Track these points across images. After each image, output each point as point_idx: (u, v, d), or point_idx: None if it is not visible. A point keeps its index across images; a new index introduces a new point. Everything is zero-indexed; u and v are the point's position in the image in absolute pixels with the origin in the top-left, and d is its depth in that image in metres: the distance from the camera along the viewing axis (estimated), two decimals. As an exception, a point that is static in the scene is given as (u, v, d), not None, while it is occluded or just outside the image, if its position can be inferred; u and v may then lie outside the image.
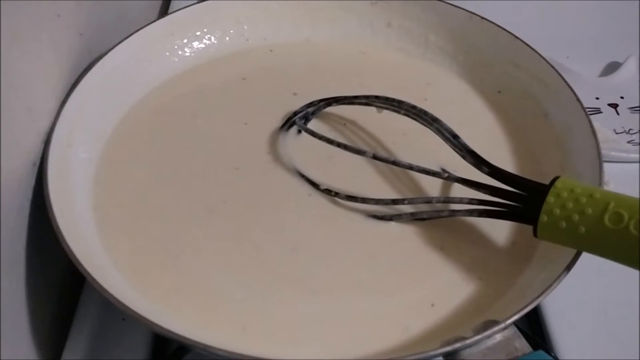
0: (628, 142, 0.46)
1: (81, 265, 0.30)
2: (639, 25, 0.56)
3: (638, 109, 0.49)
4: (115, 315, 0.35)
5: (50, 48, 0.35)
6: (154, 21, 0.44)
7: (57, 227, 0.31)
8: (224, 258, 0.34)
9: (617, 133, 0.47)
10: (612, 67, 0.52)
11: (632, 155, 0.45)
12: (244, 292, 0.33)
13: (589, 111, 0.39)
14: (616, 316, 0.36)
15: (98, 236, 0.34)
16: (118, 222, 0.35)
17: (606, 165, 0.35)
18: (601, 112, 0.48)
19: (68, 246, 0.30)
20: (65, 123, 0.36)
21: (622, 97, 0.50)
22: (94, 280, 0.29)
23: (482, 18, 0.44)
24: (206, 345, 0.27)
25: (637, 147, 0.45)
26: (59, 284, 0.37)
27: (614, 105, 0.49)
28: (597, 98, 0.49)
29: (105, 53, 0.40)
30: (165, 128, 0.41)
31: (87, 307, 0.36)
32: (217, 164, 0.38)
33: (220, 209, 0.36)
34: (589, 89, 0.49)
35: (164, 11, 0.56)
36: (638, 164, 0.45)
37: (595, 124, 0.37)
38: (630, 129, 0.47)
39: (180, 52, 0.44)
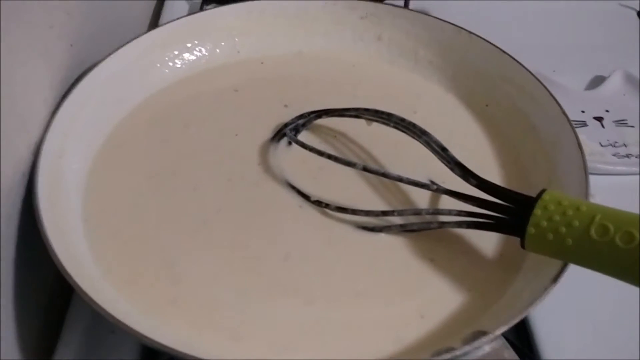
0: (613, 154, 0.47)
1: (70, 276, 0.29)
2: (624, 40, 0.57)
3: (623, 122, 0.49)
4: (105, 327, 0.35)
5: (42, 59, 0.36)
6: (145, 33, 0.44)
7: (47, 237, 0.31)
8: (216, 267, 0.34)
9: (602, 146, 0.47)
10: (597, 81, 0.53)
11: (618, 167, 0.45)
12: (237, 301, 0.33)
13: (575, 124, 0.39)
14: (604, 326, 0.36)
15: (88, 247, 0.34)
16: (109, 233, 0.35)
17: (592, 178, 0.35)
18: (587, 125, 0.49)
19: (57, 257, 0.30)
20: (57, 133, 0.36)
21: (607, 111, 0.50)
22: (83, 291, 0.29)
23: (470, 33, 0.45)
24: (197, 358, 0.27)
25: (623, 159, 0.46)
26: (48, 295, 0.37)
27: (599, 119, 0.50)
28: (583, 111, 0.50)
29: (97, 64, 0.40)
30: (157, 139, 0.41)
31: (76, 318, 0.35)
32: (208, 175, 0.39)
33: (212, 219, 0.36)
34: (575, 102, 0.50)
35: (154, 23, 0.56)
36: (623, 177, 0.45)
37: (581, 137, 0.38)
38: (615, 142, 0.48)
39: (171, 64, 0.45)
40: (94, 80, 0.39)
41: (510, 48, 0.44)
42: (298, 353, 0.31)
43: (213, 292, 0.33)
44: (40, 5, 0.35)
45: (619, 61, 0.54)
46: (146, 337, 0.28)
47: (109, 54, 0.41)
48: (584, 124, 0.49)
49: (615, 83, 0.52)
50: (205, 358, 0.27)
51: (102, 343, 0.35)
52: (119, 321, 0.28)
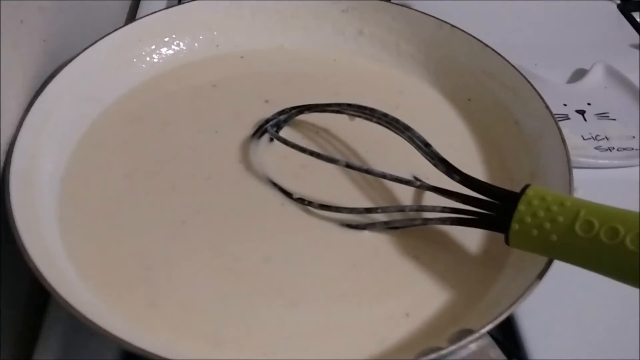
0: (595, 148, 0.47)
1: (46, 280, 0.29)
2: (605, 33, 0.57)
3: (605, 115, 0.49)
4: (83, 331, 0.34)
5: (12, 55, 0.34)
6: (121, 27, 0.43)
7: (21, 240, 0.30)
8: (196, 270, 0.33)
9: (584, 139, 0.48)
10: (579, 74, 0.53)
11: (600, 161, 0.46)
12: (217, 305, 0.32)
13: (557, 118, 0.39)
14: (590, 322, 0.36)
15: (64, 250, 0.33)
16: (85, 235, 0.34)
17: (574, 172, 0.35)
18: (569, 119, 0.49)
19: (32, 261, 0.29)
20: (29, 133, 0.35)
21: (589, 104, 0.50)
22: (60, 296, 0.28)
23: (452, 26, 0.44)
24: (177, 362, 0.27)
25: (605, 153, 0.46)
26: (24, 300, 0.36)
27: (582, 112, 0.50)
28: (565, 104, 0.50)
29: (71, 60, 0.39)
30: (134, 136, 0.40)
31: (54, 323, 0.34)
32: (188, 173, 0.38)
33: (192, 219, 0.35)
34: (557, 95, 0.50)
35: (131, 17, 0.55)
36: (605, 170, 0.45)
37: (564, 131, 0.38)
38: (597, 135, 0.48)
39: (148, 59, 0.44)
40: (68, 77, 0.38)
41: (491, 42, 0.43)
42: (281, 355, 0.30)
43: (192, 295, 0.32)
44: (10, 1, 0.34)
45: (600, 54, 0.54)
46: (124, 341, 0.27)
47: (84, 49, 0.40)
48: (566, 117, 0.49)
49: (596, 76, 0.52)
50: (185, 361, 0.27)
51: (82, 346, 0.34)
52: (96, 325, 0.27)
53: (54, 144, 0.37)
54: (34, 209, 0.33)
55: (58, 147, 0.37)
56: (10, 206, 0.31)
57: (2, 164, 0.33)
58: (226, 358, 0.30)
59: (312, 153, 0.36)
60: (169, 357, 0.27)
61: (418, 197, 0.37)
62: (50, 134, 0.36)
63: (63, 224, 0.34)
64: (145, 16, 0.44)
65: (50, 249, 0.32)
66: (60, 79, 0.38)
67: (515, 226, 0.30)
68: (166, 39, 0.44)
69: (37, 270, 0.29)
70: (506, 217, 0.30)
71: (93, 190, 0.36)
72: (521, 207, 0.30)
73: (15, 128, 0.34)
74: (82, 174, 0.37)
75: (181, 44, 0.45)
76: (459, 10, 0.47)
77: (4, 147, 0.33)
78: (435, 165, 0.35)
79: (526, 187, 0.31)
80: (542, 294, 0.30)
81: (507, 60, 0.42)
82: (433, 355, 0.27)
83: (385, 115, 0.37)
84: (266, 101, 0.42)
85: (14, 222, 0.30)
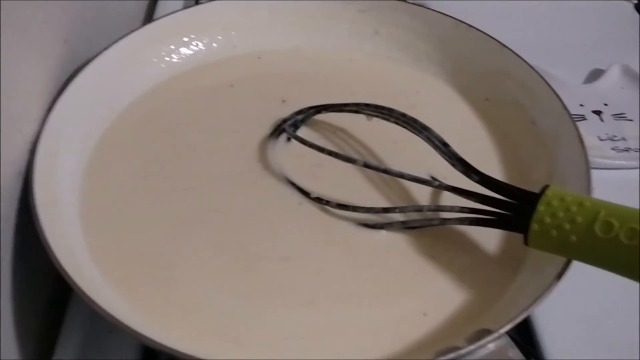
0: (612, 148, 0.47)
1: (69, 276, 0.29)
2: (622, 33, 0.57)
3: (622, 115, 0.49)
4: (103, 327, 0.35)
5: (36, 55, 0.35)
6: (141, 27, 0.43)
7: (45, 238, 0.30)
8: (214, 268, 0.34)
9: (601, 140, 0.47)
10: (595, 75, 0.53)
11: (617, 162, 0.45)
12: (236, 303, 0.32)
13: (574, 118, 0.39)
14: (606, 323, 0.36)
15: (86, 247, 0.33)
16: (106, 233, 0.35)
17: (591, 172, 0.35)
18: (585, 119, 0.49)
19: (56, 257, 0.30)
20: (51, 131, 0.35)
21: (605, 104, 0.50)
22: (83, 292, 0.29)
23: (470, 26, 0.44)
24: (198, 359, 0.27)
25: (622, 153, 0.46)
26: (46, 296, 0.36)
27: (598, 112, 0.50)
28: (582, 105, 0.50)
29: (92, 60, 0.39)
30: (153, 135, 0.40)
31: (75, 319, 0.35)
32: (206, 173, 0.38)
33: (210, 218, 0.36)
34: (573, 95, 0.50)
35: (148, 17, 0.55)
36: (622, 171, 0.45)
37: (580, 131, 0.38)
38: (614, 136, 0.48)
39: (167, 59, 0.44)
40: (89, 76, 0.39)
41: (506, 42, 0.43)
42: (298, 354, 0.31)
43: (210, 293, 0.33)
44: (34, 1, 0.34)
45: (616, 55, 0.53)
46: (145, 337, 0.28)
47: (104, 49, 0.40)
48: (582, 117, 0.49)
49: (613, 76, 0.52)
50: (205, 358, 0.27)
51: (102, 343, 0.34)
52: (118, 321, 0.28)
53: (76, 143, 0.37)
54: (57, 207, 0.33)
55: (79, 145, 0.37)
56: (35, 204, 0.31)
57: (26, 163, 0.34)
58: (244, 355, 0.31)
59: (330, 153, 0.37)
60: (189, 353, 0.27)
61: (434, 197, 0.38)
62: (71, 132, 0.37)
63: (84, 222, 0.35)
64: (164, 16, 0.44)
65: (73, 246, 0.33)
66: (81, 78, 0.38)
67: (534, 226, 0.30)
68: (185, 39, 0.45)
69: (61, 266, 0.29)
70: (525, 217, 0.30)
71: (113, 189, 0.37)
72: (541, 207, 0.30)
73: (38, 127, 0.35)
74: (102, 173, 0.37)
75: (200, 44, 0.45)
76: (475, 9, 0.47)
77: (28, 146, 0.34)
78: (453, 165, 0.35)
79: (545, 187, 0.31)
80: (557, 294, 0.30)
81: (524, 60, 0.42)
82: (452, 355, 0.27)
83: (404, 115, 0.37)
84: (283, 101, 0.42)
85: (38, 220, 0.31)
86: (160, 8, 0.54)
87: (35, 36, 0.35)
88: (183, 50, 0.45)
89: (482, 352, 0.28)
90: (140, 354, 0.34)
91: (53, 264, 0.29)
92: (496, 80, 0.43)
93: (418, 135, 0.36)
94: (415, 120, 0.36)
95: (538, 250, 0.31)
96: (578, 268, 0.30)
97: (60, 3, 0.38)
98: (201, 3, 0.47)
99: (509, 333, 0.29)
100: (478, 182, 0.34)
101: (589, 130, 0.47)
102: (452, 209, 0.34)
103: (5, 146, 0.32)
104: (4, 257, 0.31)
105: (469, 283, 0.34)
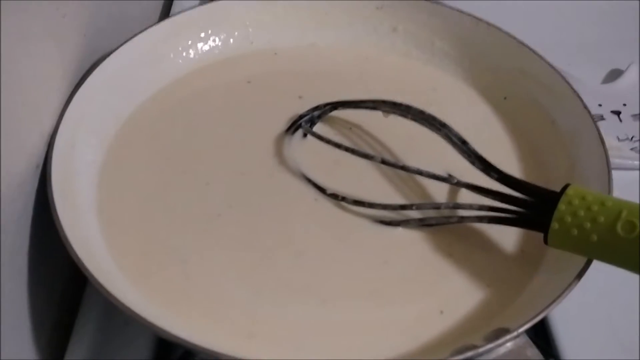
0: (631, 149, 0.46)
1: (85, 268, 0.29)
2: (641, 33, 0.56)
3: (641, 116, 0.49)
4: (118, 320, 0.35)
5: (55, 48, 0.35)
6: (158, 22, 0.43)
7: (62, 230, 0.30)
8: (230, 263, 0.34)
9: (620, 140, 0.47)
10: (614, 74, 0.52)
11: (635, 162, 0.45)
12: (251, 298, 0.32)
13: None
14: (623, 324, 0.36)
15: (103, 240, 0.34)
16: (123, 226, 0.35)
17: (609, 172, 0.35)
18: (604, 119, 0.48)
19: (73, 249, 0.30)
20: (69, 124, 0.35)
21: (624, 105, 0.50)
22: (99, 283, 0.29)
23: (489, 24, 0.44)
24: (213, 351, 0.27)
25: (640, 154, 0.46)
26: (61, 288, 0.37)
27: (617, 113, 0.49)
28: (600, 105, 0.49)
29: (109, 54, 0.40)
30: (170, 130, 0.40)
31: (89, 311, 0.35)
32: (222, 168, 0.38)
33: (226, 213, 0.36)
34: (592, 95, 0.49)
35: (165, 13, 0.55)
36: (640, 172, 0.45)
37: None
38: (633, 136, 0.47)
39: (184, 54, 0.44)
40: (107, 70, 0.39)
41: (525, 40, 0.43)
42: (312, 352, 0.30)
43: (225, 289, 0.33)
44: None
45: (635, 54, 0.53)
46: (161, 329, 0.28)
47: (122, 44, 0.40)
48: (601, 117, 0.48)
49: (632, 77, 0.52)
50: (221, 352, 0.27)
51: (116, 335, 0.34)
52: (133, 312, 0.28)
53: (93, 136, 0.37)
54: (74, 199, 0.34)
55: (97, 139, 0.38)
56: (52, 196, 0.31)
57: (43, 155, 0.34)
58: (259, 350, 0.30)
59: (347, 149, 0.36)
60: (202, 345, 0.27)
61: (453, 194, 0.37)
62: (89, 126, 0.37)
63: (101, 214, 0.35)
64: (182, 11, 0.44)
65: (89, 238, 0.33)
66: (99, 72, 0.38)
67: (555, 225, 0.29)
68: (202, 35, 0.45)
69: (77, 258, 0.29)
70: (545, 216, 0.30)
71: (130, 183, 0.37)
72: (561, 206, 0.29)
73: (56, 120, 0.35)
74: (119, 167, 0.37)
75: (217, 39, 0.45)
76: (494, 7, 0.46)
77: (46, 138, 0.34)
78: (472, 162, 0.34)
79: (566, 186, 0.30)
80: (575, 293, 0.29)
81: (543, 59, 0.42)
82: (469, 354, 0.27)
83: (422, 112, 0.36)
84: (300, 97, 0.42)
85: (55, 211, 0.31)
86: (178, 4, 0.54)
87: (55, 30, 0.35)
88: (200, 45, 0.45)
89: (500, 351, 0.28)
90: (155, 347, 0.34)
91: (69, 256, 0.30)
92: (515, 78, 0.43)
93: (436, 133, 0.36)
94: (434, 118, 0.36)
95: (558, 249, 0.31)
96: (596, 267, 0.30)
97: (81, -3, 0.38)
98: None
99: (526, 332, 0.28)
100: (497, 179, 0.33)
101: (608, 131, 0.46)
102: (470, 206, 0.33)
103: (23, 139, 0.32)
104: (20, 249, 0.31)
105: (486, 281, 0.33)
